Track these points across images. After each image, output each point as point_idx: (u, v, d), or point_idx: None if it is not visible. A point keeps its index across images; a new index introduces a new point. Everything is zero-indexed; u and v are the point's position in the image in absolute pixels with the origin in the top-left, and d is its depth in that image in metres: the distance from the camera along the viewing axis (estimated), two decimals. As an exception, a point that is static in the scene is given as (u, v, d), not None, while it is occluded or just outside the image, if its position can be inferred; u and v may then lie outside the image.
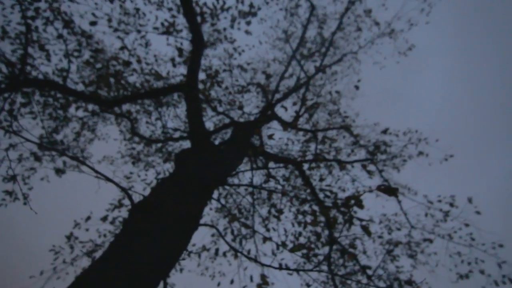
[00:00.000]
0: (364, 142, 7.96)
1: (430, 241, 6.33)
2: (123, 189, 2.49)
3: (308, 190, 6.75)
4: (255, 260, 2.62)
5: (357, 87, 8.64)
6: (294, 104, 9.37)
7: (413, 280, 6.93)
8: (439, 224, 6.40)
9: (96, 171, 2.96)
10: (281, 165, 6.43)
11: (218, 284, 4.39)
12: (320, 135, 8.51)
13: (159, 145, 8.06)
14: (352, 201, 4.22)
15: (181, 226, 2.37)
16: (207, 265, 6.19)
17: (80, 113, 6.41)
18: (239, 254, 4.20)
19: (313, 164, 7.12)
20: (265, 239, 4.51)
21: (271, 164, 6.26)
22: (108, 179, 2.71)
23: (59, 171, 5.58)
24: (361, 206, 4.09)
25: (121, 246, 2.03)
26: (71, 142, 6.07)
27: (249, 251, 4.50)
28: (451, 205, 6.11)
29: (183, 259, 4.33)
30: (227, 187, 5.80)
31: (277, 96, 8.44)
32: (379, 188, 2.17)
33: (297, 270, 4.51)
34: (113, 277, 1.83)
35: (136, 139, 7.50)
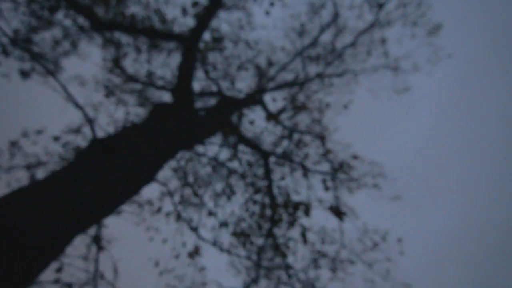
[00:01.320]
0: (332, 157, 8.30)
1: (352, 263, 6.88)
2: (89, 120, 2.39)
3: (266, 183, 6.96)
4: (195, 229, 2.70)
5: (345, 106, 8.90)
6: (284, 99, 9.41)
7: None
8: (366, 252, 6.96)
9: (66, 90, 2.80)
10: (250, 150, 6.51)
11: (151, 239, 4.46)
12: (295, 136, 8.70)
13: (139, 87, 7.71)
14: (302, 207, 4.45)
15: (136, 174, 2.36)
16: (145, 217, 6.19)
17: (68, 22, 5.88)
18: (181, 220, 4.27)
19: (280, 160, 7.30)
20: (210, 213, 4.62)
21: (241, 148, 6.31)
22: (76, 104, 2.59)
23: (24, 74, 5.13)
24: (308, 214, 4.34)
25: (69, 175, 1.98)
26: (46, 50, 5.59)
27: (191, 219, 4.58)
28: (383, 239, 6.66)
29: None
30: (192, 153, 5.77)
31: (271, 85, 8.42)
32: (331, 208, 2.32)
33: (229, 252, 4.70)
34: (53, 203, 1.80)
35: (118, 71, 7.09)
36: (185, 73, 4.65)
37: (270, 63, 7.93)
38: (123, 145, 2.41)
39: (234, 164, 5.93)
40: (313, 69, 9.62)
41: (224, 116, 4.83)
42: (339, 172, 7.84)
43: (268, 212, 5.82)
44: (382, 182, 7.35)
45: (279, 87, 7.97)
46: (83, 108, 2.58)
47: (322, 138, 8.79)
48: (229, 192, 4.90)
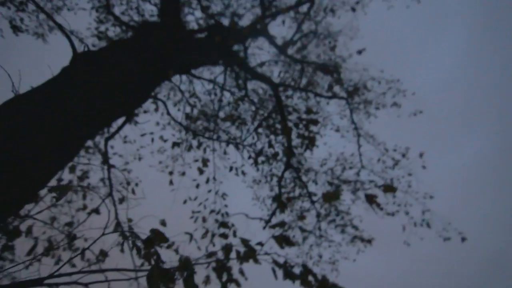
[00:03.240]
0: (346, 83, 7.86)
1: (374, 182, 6.91)
2: (67, 36, 2.26)
3: (279, 116, 6.80)
4: (216, 139, 2.67)
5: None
6: (290, 27, 8.69)
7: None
8: (387, 170, 6.92)
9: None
10: (258, 81, 6.25)
11: (171, 173, 4.65)
12: (307, 69, 8.23)
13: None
14: (313, 121, 4.33)
15: (124, 88, 2.27)
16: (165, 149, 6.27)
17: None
18: (193, 149, 4.36)
19: (291, 91, 7.03)
20: (229, 142, 4.62)
21: (249, 79, 6.04)
22: (58, 25, 2.44)
23: (15, 28, 4.99)
24: (316, 122, 4.23)
25: (56, 88, 1.92)
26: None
27: (205, 148, 4.63)
28: (403, 155, 6.53)
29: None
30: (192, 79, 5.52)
31: (274, 11, 7.71)
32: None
33: (244, 174, 4.76)
34: (41, 115, 1.76)
35: None
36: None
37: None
38: (108, 60, 2.29)
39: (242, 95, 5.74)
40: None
41: (224, 44, 4.53)
42: (354, 95, 7.49)
43: (282, 140, 5.77)
44: (402, 99, 6.96)
45: (284, 10, 7.28)
46: (62, 27, 2.44)
47: (335, 67, 8.24)
48: (240, 121, 4.84)
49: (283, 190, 7.61)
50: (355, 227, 7.74)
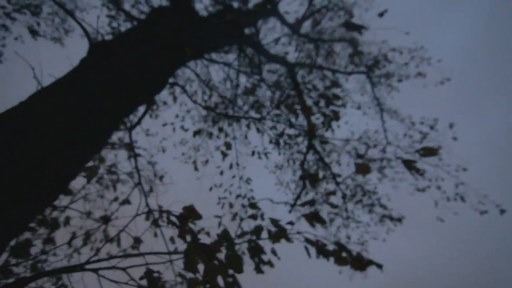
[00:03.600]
0: (365, 57, 7.50)
1: (400, 158, 6.64)
2: (83, 29, 2.26)
3: (296, 97, 6.63)
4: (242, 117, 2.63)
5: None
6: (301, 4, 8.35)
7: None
8: (414, 145, 6.62)
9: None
10: (273, 63, 6.10)
11: (194, 162, 4.70)
12: (322, 46, 7.94)
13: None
14: (332, 92, 4.16)
15: (140, 75, 2.25)
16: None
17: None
18: (214, 137, 4.36)
19: (308, 70, 6.80)
20: (249, 123, 4.54)
21: (263, 62, 5.90)
22: (70, 14, 2.44)
23: (34, 33, 5.14)
24: (338, 97, 4.06)
25: (76, 79, 1.92)
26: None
27: (226, 134, 4.62)
28: (432, 127, 6.20)
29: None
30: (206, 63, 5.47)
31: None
32: (346, 24, 1.99)
33: (266, 156, 4.69)
34: (65, 106, 1.76)
35: None
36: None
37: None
38: (123, 47, 2.27)
39: (257, 79, 5.63)
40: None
41: (236, 24, 4.40)
42: (374, 68, 7.14)
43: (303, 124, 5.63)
44: (426, 68, 6.55)
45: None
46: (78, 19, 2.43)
47: (353, 42, 7.87)
48: (257, 105, 4.76)
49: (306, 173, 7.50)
50: (383, 206, 7.55)
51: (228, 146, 2.98)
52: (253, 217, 2.28)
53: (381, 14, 7.33)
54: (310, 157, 7.83)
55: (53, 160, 1.67)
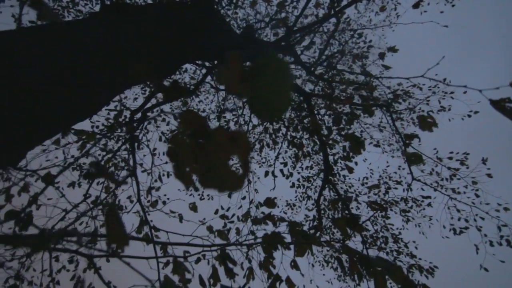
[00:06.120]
0: (381, 93, 7.35)
1: (429, 197, 5.99)
2: None
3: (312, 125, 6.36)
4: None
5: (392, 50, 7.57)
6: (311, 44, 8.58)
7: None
8: (443, 183, 6.01)
9: None
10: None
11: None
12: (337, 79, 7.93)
13: None
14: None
15: (160, 39, 2.05)
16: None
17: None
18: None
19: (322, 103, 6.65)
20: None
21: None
22: None
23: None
24: (357, 117, 3.73)
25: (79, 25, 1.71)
26: None
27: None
28: (462, 163, 5.66)
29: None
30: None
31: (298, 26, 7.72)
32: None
33: (286, 173, 4.22)
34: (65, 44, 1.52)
35: None
36: None
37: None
38: (140, 12, 2.11)
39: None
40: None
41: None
42: (393, 104, 6.92)
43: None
44: (450, 101, 6.26)
45: (307, 27, 7.25)
46: None
47: (369, 88, 7.83)
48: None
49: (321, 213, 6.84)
50: (411, 255, 6.61)
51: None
52: (268, 221, 1.81)
53: (382, 57, 7.15)
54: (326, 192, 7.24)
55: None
